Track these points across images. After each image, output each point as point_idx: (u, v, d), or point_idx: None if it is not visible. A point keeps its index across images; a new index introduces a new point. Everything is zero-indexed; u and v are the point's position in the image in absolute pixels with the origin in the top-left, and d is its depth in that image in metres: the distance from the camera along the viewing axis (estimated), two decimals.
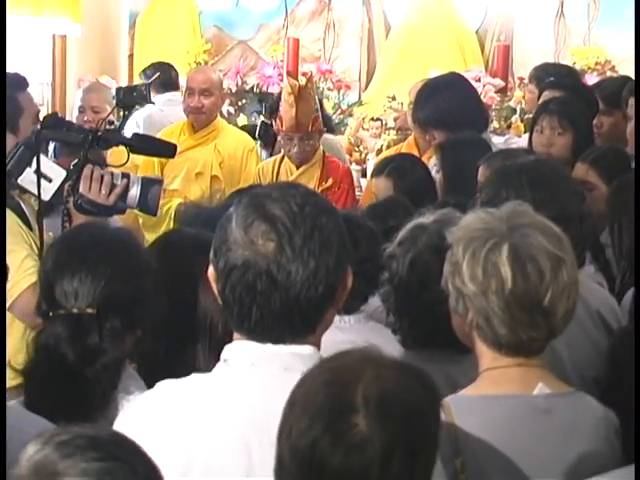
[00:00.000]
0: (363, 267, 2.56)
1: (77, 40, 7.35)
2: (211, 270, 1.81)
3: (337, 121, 7.43)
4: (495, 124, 6.94)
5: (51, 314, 2.22)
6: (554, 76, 5.33)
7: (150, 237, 4.21)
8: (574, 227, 2.05)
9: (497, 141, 5.01)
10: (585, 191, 3.10)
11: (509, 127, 7.14)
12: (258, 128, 5.58)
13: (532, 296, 1.94)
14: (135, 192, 3.08)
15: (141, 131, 5.48)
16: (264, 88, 7.59)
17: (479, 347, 2.04)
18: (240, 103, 7.59)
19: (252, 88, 7.64)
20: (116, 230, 2.70)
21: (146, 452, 1.42)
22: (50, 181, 3.04)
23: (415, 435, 1.41)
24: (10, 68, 6.31)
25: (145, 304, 2.32)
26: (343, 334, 2.62)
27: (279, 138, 4.99)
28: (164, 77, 6.17)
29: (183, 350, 2.34)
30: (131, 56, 8.07)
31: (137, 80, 7.66)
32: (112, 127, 3.19)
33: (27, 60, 6.98)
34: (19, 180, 3.01)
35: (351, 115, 7.48)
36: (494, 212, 2.04)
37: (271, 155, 5.39)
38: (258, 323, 1.75)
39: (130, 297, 2.25)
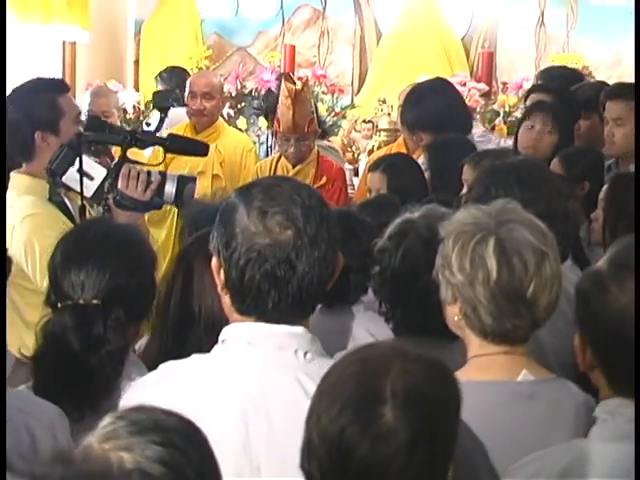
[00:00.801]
0: (364, 261, 2.57)
1: (86, 46, 7.33)
2: (215, 262, 1.80)
3: (331, 123, 7.41)
4: (480, 126, 6.93)
5: (59, 305, 2.22)
6: (559, 78, 5.33)
7: (155, 232, 4.20)
8: (559, 224, 2.05)
9: (478, 139, 4.99)
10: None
11: (493, 129, 7.13)
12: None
13: (516, 288, 1.93)
14: (171, 189, 3.12)
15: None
16: (262, 92, 7.58)
17: (467, 335, 2.03)
18: (239, 106, 7.57)
19: (251, 92, 7.65)
20: (122, 226, 2.70)
21: (210, 445, 1.40)
22: (92, 179, 3.09)
23: (437, 428, 1.40)
24: (23, 72, 6.33)
25: (148, 296, 2.31)
26: (347, 322, 2.63)
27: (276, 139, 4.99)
28: (178, 80, 6.15)
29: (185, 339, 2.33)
30: (137, 61, 8.05)
31: (143, 84, 7.68)
32: (149, 128, 3.29)
33: (39, 65, 6.96)
34: (63, 178, 3.07)
35: (344, 117, 7.46)
36: (484, 208, 2.04)
37: None
38: (275, 307, 1.76)
39: (134, 290, 2.24)
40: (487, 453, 1.89)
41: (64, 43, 7.28)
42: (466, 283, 1.95)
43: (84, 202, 3.09)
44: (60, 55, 7.29)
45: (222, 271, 1.79)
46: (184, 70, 6.57)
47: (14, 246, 3.07)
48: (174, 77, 6.40)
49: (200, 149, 3.43)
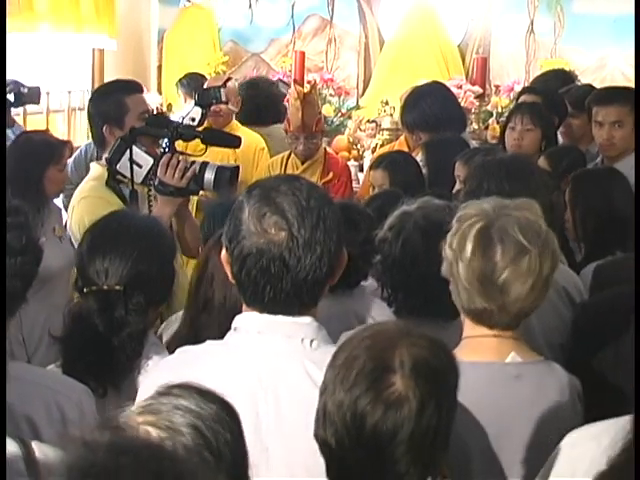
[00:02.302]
0: (363, 248, 2.56)
1: (113, 53, 7.33)
2: (224, 254, 1.79)
3: (337, 123, 7.40)
4: (474, 126, 6.90)
5: (85, 290, 2.21)
6: (552, 79, 5.39)
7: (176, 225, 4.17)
8: (546, 215, 2.02)
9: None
10: None
11: (486, 128, 7.10)
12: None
13: (487, 272, 1.90)
14: (210, 177, 3.12)
15: None
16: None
17: (462, 314, 2.02)
18: None
19: None
20: (144, 217, 2.69)
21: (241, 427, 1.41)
22: (140, 167, 3.17)
23: (441, 394, 1.42)
24: (56, 76, 6.31)
25: (167, 283, 2.30)
26: (349, 305, 2.62)
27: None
28: (197, 85, 6.14)
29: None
30: (159, 67, 8.04)
31: (166, 87, 7.66)
32: (191, 122, 3.27)
33: (70, 70, 6.97)
34: (118, 166, 3.17)
35: (350, 118, 7.43)
36: (499, 201, 2.01)
37: None
38: (271, 300, 1.74)
39: (154, 277, 2.24)
40: (485, 435, 1.88)
41: (93, 50, 7.29)
42: (453, 261, 1.94)
43: (134, 187, 3.19)
44: (90, 61, 7.30)
45: (229, 264, 1.79)
46: (202, 76, 6.55)
47: (72, 225, 3.28)
48: (192, 83, 6.39)
49: (233, 141, 3.46)
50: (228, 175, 3.15)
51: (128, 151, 3.15)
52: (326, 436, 1.43)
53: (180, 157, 3.15)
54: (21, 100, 4.71)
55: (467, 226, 1.94)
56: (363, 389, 1.40)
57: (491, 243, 1.90)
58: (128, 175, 3.17)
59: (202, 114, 3.31)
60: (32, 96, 4.76)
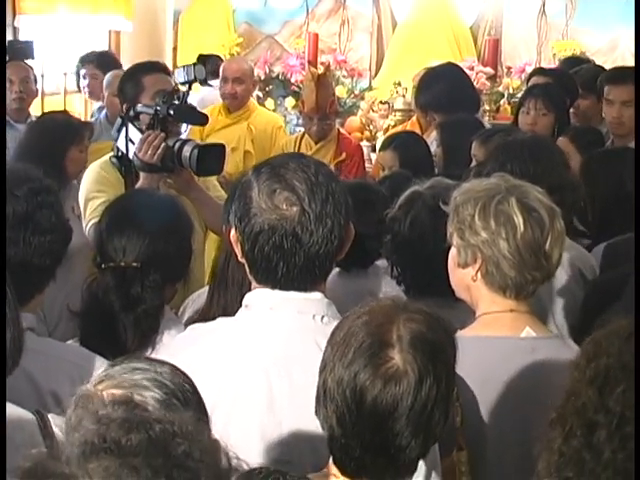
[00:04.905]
0: (379, 228, 2.55)
1: (129, 35, 7.30)
2: (233, 233, 1.78)
3: (350, 104, 7.37)
4: (486, 107, 6.87)
5: (103, 266, 2.22)
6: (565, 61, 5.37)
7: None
8: (568, 195, 2.03)
9: None
10: None
11: (498, 109, 7.07)
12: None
13: (538, 240, 1.93)
14: (187, 154, 3.04)
15: None
16: (288, 75, 7.54)
17: (481, 294, 2.01)
18: (267, 89, 7.54)
19: (277, 76, 7.61)
20: (162, 196, 2.70)
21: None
22: (134, 144, 3.17)
23: (439, 368, 1.41)
24: (72, 59, 6.31)
25: (184, 261, 2.30)
26: (363, 284, 2.61)
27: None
28: (212, 67, 6.10)
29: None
30: (175, 49, 8.00)
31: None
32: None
33: (87, 51, 6.94)
34: (117, 143, 3.20)
35: (363, 99, 7.41)
36: (489, 179, 2.02)
37: None
38: (284, 276, 1.73)
39: (171, 254, 2.24)
40: (500, 409, 1.87)
41: (110, 32, 7.27)
42: (490, 240, 1.93)
43: (130, 164, 3.18)
44: (106, 42, 7.29)
45: (239, 243, 1.78)
46: (219, 57, 6.50)
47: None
48: (208, 64, 6.35)
49: (200, 119, 3.38)
50: (209, 153, 3.08)
51: (124, 129, 3.17)
52: (327, 413, 1.43)
53: (161, 134, 3.10)
54: (14, 55, 4.71)
55: (495, 203, 1.93)
56: (362, 365, 1.39)
57: (529, 212, 1.93)
58: (124, 151, 3.17)
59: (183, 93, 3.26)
60: (26, 51, 4.75)
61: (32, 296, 2.00)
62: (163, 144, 3.06)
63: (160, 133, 3.09)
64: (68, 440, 0.91)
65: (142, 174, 3.11)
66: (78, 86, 5.60)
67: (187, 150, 3.04)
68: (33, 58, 4.99)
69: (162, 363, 1.49)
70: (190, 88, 3.22)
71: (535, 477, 1.24)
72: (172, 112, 3.12)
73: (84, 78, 5.48)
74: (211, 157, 3.08)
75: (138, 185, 3.10)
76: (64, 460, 0.86)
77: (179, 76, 3.21)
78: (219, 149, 3.14)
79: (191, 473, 0.86)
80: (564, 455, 1.20)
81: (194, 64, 3.21)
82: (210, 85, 3.73)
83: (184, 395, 1.42)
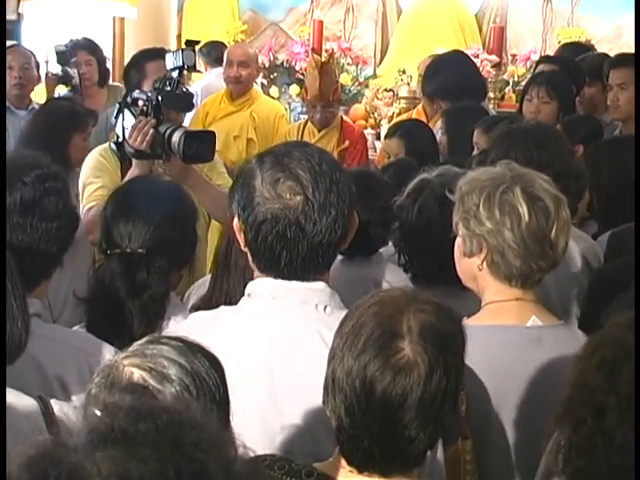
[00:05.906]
0: (382, 215, 2.54)
1: (133, 21, 7.30)
2: (236, 222, 1.77)
3: (355, 92, 7.35)
4: (491, 94, 6.84)
5: (109, 252, 2.22)
6: (574, 54, 5.27)
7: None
8: (572, 183, 2.01)
9: None
10: None
11: (503, 97, 7.04)
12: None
13: (543, 229, 1.92)
14: (176, 140, 2.99)
15: (200, 99, 5.46)
16: (292, 63, 7.52)
17: (487, 283, 2.00)
18: (272, 76, 7.52)
19: (282, 63, 7.59)
20: (167, 183, 2.69)
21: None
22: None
23: (449, 359, 1.40)
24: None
25: (189, 247, 2.30)
26: (367, 272, 2.60)
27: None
28: (217, 54, 6.08)
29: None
30: (179, 36, 7.98)
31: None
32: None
33: (92, 37, 6.92)
34: (116, 129, 3.21)
35: (367, 87, 7.39)
36: (493, 168, 2.00)
37: None
38: (287, 265, 1.72)
39: (176, 241, 2.24)
40: (505, 397, 1.87)
41: (114, 18, 7.26)
42: (494, 230, 1.92)
43: (125, 150, 3.17)
44: (111, 29, 7.28)
45: (242, 231, 1.76)
46: (222, 44, 6.50)
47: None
48: (212, 51, 6.35)
49: (186, 104, 3.29)
50: (197, 140, 3.02)
51: (121, 115, 3.17)
52: (335, 403, 1.42)
53: (151, 121, 3.06)
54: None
55: (500, 192, 1.92)
56: (372, 355, 1.38)
57: (534, 201, 1.92)
58: (121, 137, 3.17)
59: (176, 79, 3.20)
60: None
61: (39, 282, 2.00)
62: (152, 131, 3.03)
63: (151, 119, 3.05)
64: (84, 415, 0.91)
65: (134, 161, 3.09)
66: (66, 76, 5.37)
67: (176, 137, 3.00)
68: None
69: (200, 353, 1.45)
70: (180, 74, 3.14)
71: (541, 477, 1.24)
72: (160, 98, 3.10)
73: (77, 66, 5.33)
74: (201, 144, 3.02)
75: (130, 172, 3.06)
76: (72, 448, 0.85)
77: (168, 62, 3.14)
78: (209, 136, 3.09)
79: (199, 464, 0.85)
80: (574, 445, 1.19)
81: (182, 49, 3.12)
82: (198, 71, 3.71)
83: (205, 390, 1.41)
